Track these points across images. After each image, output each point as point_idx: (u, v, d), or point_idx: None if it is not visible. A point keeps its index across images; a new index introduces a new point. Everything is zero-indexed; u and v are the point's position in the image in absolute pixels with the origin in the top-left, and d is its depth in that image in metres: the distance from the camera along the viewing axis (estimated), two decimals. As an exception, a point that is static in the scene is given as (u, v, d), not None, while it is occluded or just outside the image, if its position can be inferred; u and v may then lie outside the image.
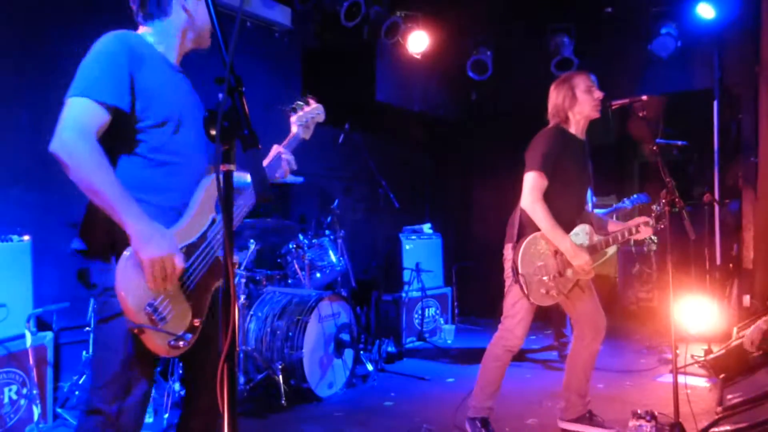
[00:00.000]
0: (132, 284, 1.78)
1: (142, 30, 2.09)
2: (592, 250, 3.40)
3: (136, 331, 1.79)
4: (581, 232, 3.44)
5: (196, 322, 1.94)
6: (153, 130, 1.95)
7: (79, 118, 1.81)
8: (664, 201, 3.25)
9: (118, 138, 1.90)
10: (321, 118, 2.57)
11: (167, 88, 2.02)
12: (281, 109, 2.55)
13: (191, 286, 1.94)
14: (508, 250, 3.47)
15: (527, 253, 3.31)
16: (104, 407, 1.88)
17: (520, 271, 3.28)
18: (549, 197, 3.33)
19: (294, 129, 2.49)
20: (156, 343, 1.83)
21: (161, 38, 2.08)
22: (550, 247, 3.34)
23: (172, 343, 1.85)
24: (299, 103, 2.54)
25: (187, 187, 2.02)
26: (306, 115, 2.52)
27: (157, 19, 2.07)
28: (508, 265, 3.45)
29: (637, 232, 3.42)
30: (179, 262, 1.85)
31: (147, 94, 1.93)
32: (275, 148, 2.41)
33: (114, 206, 1.78)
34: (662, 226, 3.36)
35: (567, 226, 3.37)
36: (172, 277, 1.84)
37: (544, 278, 3.32)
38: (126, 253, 1.79)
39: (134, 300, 1.77)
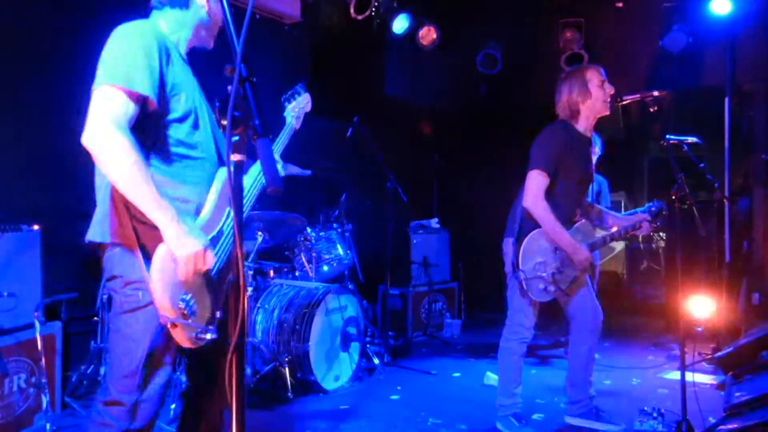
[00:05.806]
0: (168, 281, 1.77)
1: (154, 18, 2.05)
2: (591, 247, 3.41)
3: (169, 326, 1.78)
4: (581, 230, 3.43)
5: (219, 314, 1.96)
6: (176, 124, 1.93)
7: (113, 108, 1.75)
8: (674, 197, 3.23)
9: (144, 131, 1.85)
10: (309, 107, 2.49)
11: (185, 82, 1.99)
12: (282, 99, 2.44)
13: (214, 279, 1.95)
14: (508, 246, 3.47)
15: (528, 250, 3.30)
16: (123, 398, 1.87)
17: (520, 267, 3.28)
18: (550, 193, 3.33)
19: (289, 120, 2.41)
20: (184, 335, 1.82)
21: (175, 28, 2.04)
22: (550, 243, 3.34)
23: (200, 335, 1.87)
24: (295, 92, 2.47)
25: (206, 180, 2.01)
26: (298, 105, 2.45)
27: (177, 7, 2.03)
28: (508, 260, 3.46)
29: (639, 228, 3.43)
30: (210, 258, 1.85)
31: (172, 87, 1.90)
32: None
33: (148, 205, 1.75)
34: (657, 224, 3.36)
35: (567, 222, 3.38)
36: (203, 271, 1.85)
37: (543, 274, 3.32)
38: (160, 251, 1.77)
39: (170, 296, 1.77)
